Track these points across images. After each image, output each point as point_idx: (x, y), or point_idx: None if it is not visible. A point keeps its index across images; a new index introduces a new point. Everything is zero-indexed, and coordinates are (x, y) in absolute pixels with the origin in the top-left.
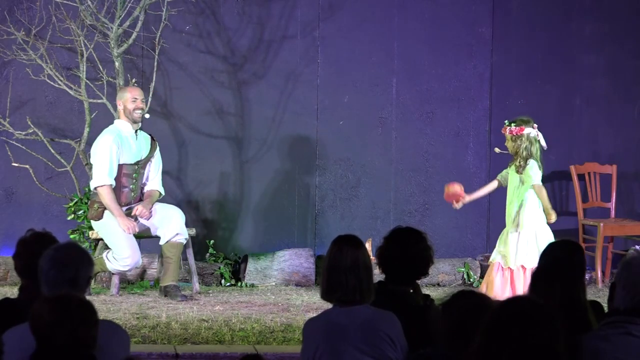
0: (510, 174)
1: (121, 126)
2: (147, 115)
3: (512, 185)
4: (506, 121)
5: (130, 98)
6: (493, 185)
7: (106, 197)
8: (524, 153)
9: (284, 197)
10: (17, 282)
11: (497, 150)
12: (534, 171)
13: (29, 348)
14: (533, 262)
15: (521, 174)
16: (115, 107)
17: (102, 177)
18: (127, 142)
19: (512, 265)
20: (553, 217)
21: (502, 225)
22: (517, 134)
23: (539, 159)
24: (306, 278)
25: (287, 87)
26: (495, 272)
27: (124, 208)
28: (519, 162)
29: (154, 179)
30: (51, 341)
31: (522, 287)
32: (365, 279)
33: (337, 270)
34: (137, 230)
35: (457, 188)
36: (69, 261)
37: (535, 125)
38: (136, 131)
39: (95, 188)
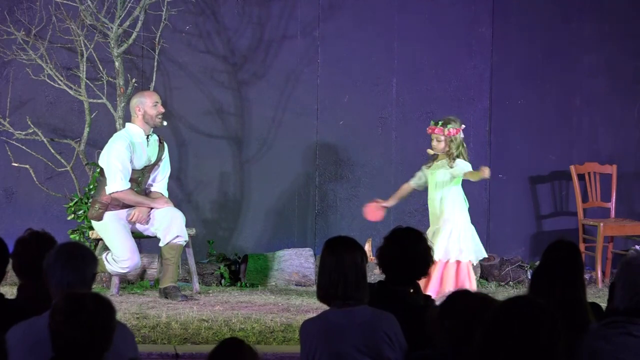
0: (431, 174)
1: (134, 131)
2: (165, 123)
3: (437, 183)
4: (439, 122)
5: (151, 103)
6: (406, 190)
7: (127, 198)
8: (456, 154)
9: (284, 197)
10: (17, 282)
11: (430, 152)
12: (464, 163)
13: (33, 341)
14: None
15: (452, 167)
16: (115, 107)
17: (120, 183)
18: (138, 148)
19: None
20: (486, 172)
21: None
22: (453, 135)
23: (466, 159)
24: (306, 278)
25: (287, 87)
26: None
27: (125, 210)
28: (450, 161)
29: (160, 182)
30: (67, 338)
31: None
32: (341, 280)
33: (321, 271)
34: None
35: (371, 209)
36: (74, 256)
37: (463, 126)
38: (148, 136)
39: (112, 194)
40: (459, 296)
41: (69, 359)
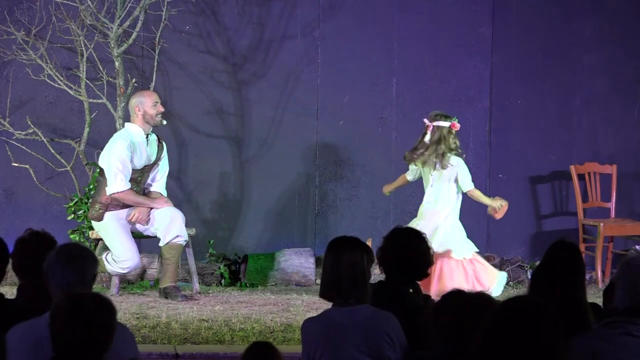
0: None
1: (134, 130)
2: (164, 122)
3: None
4: (450, 117)
5: (150, 103)
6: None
7: (128, 198)
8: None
9: (284, 197)
10: (17, 282)
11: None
12: None
13: (33, 342)
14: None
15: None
16: (115, 107)
17: (120, 183)
18: (138, 148)
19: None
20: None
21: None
22: None
23: None
24: (306, 278)
25: (287, 87)
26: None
27: (125, 210)
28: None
29: (159, 181)
30: (67, 337)
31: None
32: (337, 279)
33: (323, 270)
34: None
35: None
36: (75, 256)
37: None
38: (147, 135)
39: (112, 194)
40: (453, 296)
41: (69, 359)
